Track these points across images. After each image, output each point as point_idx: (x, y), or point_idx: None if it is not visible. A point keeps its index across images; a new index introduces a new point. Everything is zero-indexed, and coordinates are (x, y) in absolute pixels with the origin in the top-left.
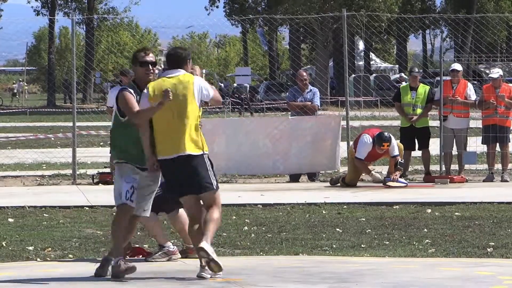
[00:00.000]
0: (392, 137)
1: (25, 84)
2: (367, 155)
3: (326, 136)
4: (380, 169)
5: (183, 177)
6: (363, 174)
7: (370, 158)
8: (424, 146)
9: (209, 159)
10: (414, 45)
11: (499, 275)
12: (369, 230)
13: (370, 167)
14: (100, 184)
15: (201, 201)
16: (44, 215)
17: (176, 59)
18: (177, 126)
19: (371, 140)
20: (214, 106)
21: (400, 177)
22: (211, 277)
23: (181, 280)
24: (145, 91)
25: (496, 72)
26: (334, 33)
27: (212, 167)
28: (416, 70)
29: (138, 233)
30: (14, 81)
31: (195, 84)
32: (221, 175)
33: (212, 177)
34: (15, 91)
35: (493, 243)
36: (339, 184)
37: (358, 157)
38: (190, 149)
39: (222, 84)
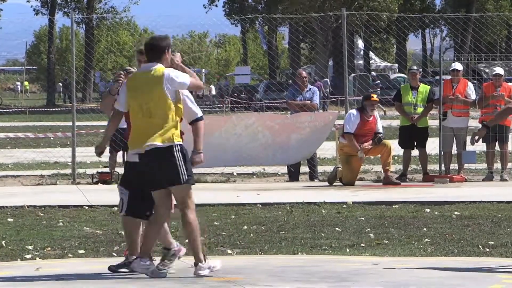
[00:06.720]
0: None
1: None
2: (357, 129)
3: (323, 129)
4: (378, 169)
5: (153, 172)
6: (362, 173)
7: (359, 131)
8: (422, 146)
9: (182, 152)
10: (413, 44)
11: (498, 274)
12: (369, 229)
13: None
14: (99, 183)
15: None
16: (44, 214)
17: (153, 49)
18: (145, 125)
19: (356, 112)
20: (195, 91)
21: (399, 177)
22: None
23: (181, 279)
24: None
25: (500, 69)
26: (333, 32)
27: (185, 161)
28: (415, 67)
29: None
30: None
31: (164, 78)
32: (219, 174)
33: (183, 170)
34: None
35: (492, 242)
36: (338, 181)
37: (347, 132)
38: (157, 141)
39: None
